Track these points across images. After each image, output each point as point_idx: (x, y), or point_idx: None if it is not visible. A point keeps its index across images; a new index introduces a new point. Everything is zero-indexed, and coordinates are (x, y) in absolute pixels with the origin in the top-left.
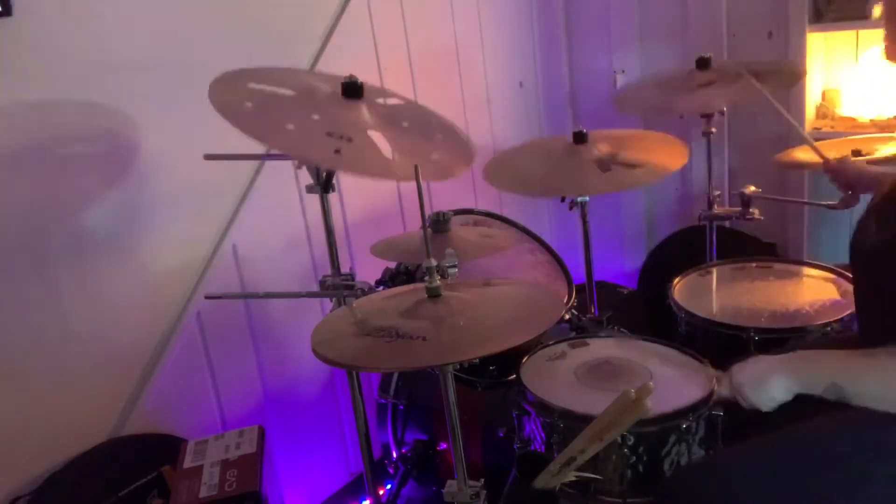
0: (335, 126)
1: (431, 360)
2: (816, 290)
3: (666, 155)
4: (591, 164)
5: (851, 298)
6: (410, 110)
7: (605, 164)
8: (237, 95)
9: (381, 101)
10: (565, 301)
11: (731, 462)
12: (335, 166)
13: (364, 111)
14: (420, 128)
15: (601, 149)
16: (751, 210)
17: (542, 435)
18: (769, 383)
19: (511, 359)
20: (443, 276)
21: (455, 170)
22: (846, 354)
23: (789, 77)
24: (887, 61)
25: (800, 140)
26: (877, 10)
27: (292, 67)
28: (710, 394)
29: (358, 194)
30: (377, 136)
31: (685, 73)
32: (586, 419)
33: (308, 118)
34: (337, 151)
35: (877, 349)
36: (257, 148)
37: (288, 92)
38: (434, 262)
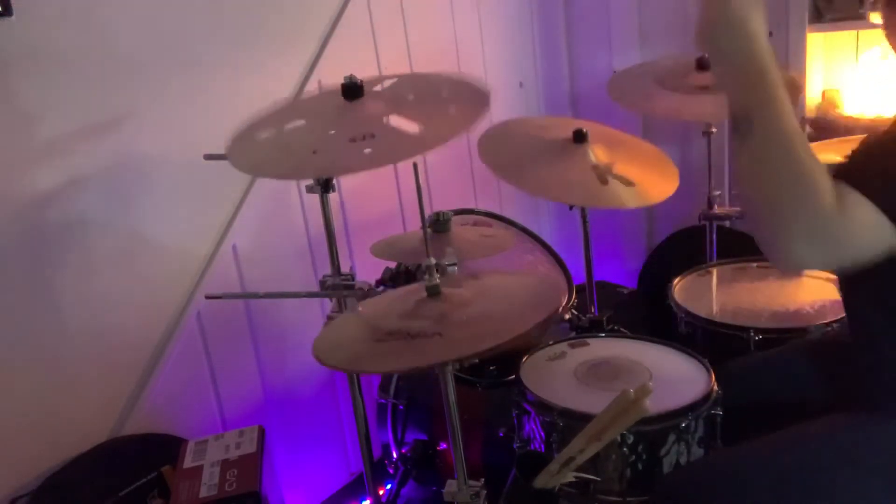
0: (354, 131)
1: (445, 355)
2: (816, 290)
3: (659, 176)
4: (589, 172)
5: None
6: (408, 82)
7: (602, 175)
8: (256, 152)
9: (378, 88)
10: (565, 301)
11: (728, 462)
12: (372, 165)
13: (371, 104)
14: (425, 92)
15: (598, 154)
16: None
17: (542, 434)
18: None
19: (511, 359)
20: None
21: (477, 115)
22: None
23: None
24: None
25: None
26: (873, 17)
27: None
28: (710, 393)
29: (358, 194)
30: (394, 120)
31: (683, 67)
32: (586, 418)
33: (325, 135)
34: (367, 151)
35: None
36: None
37: (295, 123)
38: (434, 261)
